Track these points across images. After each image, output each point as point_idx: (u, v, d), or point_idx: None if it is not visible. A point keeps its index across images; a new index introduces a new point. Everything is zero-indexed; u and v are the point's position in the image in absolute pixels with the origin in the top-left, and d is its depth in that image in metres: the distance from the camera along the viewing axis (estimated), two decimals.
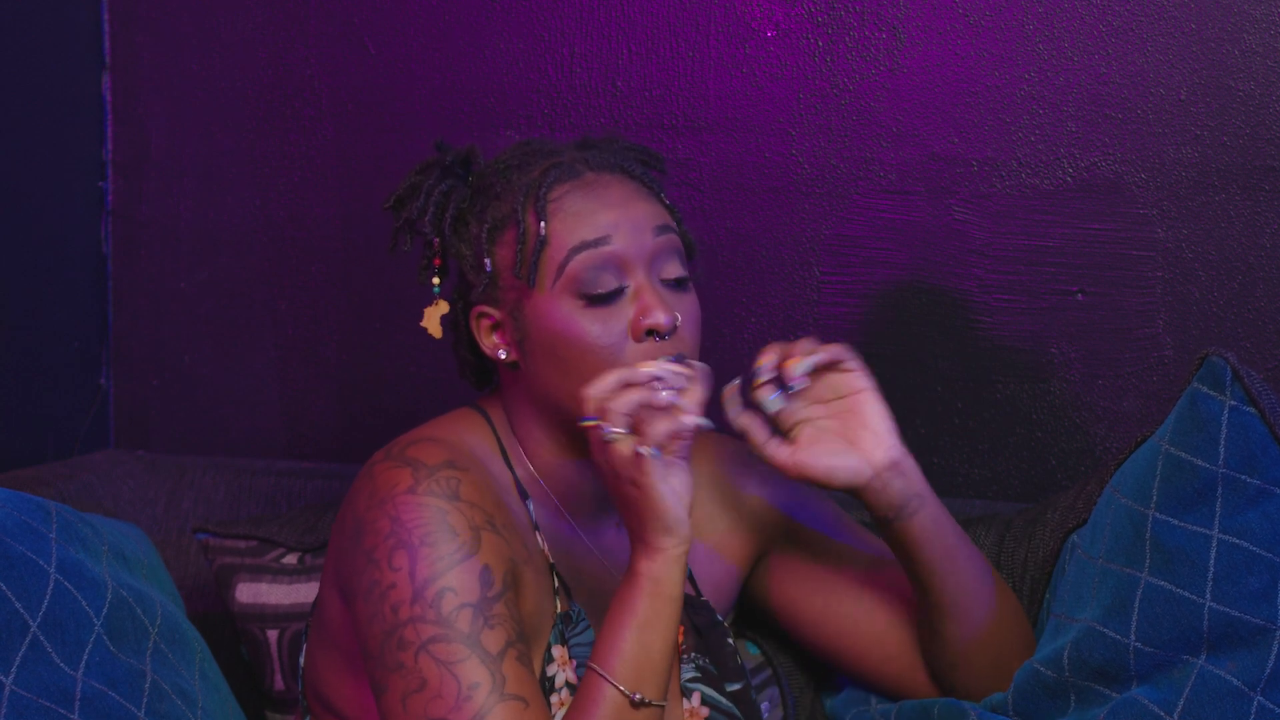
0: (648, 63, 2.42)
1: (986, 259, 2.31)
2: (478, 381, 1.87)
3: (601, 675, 1.63)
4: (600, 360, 1.71)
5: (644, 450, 1.63)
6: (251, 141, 2.60)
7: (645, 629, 1.64)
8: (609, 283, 1.72)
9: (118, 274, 2.67)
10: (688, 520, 1.66)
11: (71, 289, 2.62)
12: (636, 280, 1.73)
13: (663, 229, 1.76)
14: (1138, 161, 2.24)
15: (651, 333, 1.72)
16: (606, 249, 1.73)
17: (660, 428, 1.64)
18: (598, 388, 1.66)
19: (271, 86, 2.59)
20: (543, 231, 1.73)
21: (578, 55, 2.45)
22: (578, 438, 1.76)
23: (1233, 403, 1.77)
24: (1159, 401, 2.25)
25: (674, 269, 1.76)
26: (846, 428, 1.78)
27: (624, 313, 1.73)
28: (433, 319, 1.83)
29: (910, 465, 1.79)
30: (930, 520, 1.80)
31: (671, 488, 1.64)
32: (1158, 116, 2.23)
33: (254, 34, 2.58)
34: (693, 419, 1.66)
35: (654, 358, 1.71)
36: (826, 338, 2.37)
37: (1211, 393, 1.78)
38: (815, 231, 2.37)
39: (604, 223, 1.74)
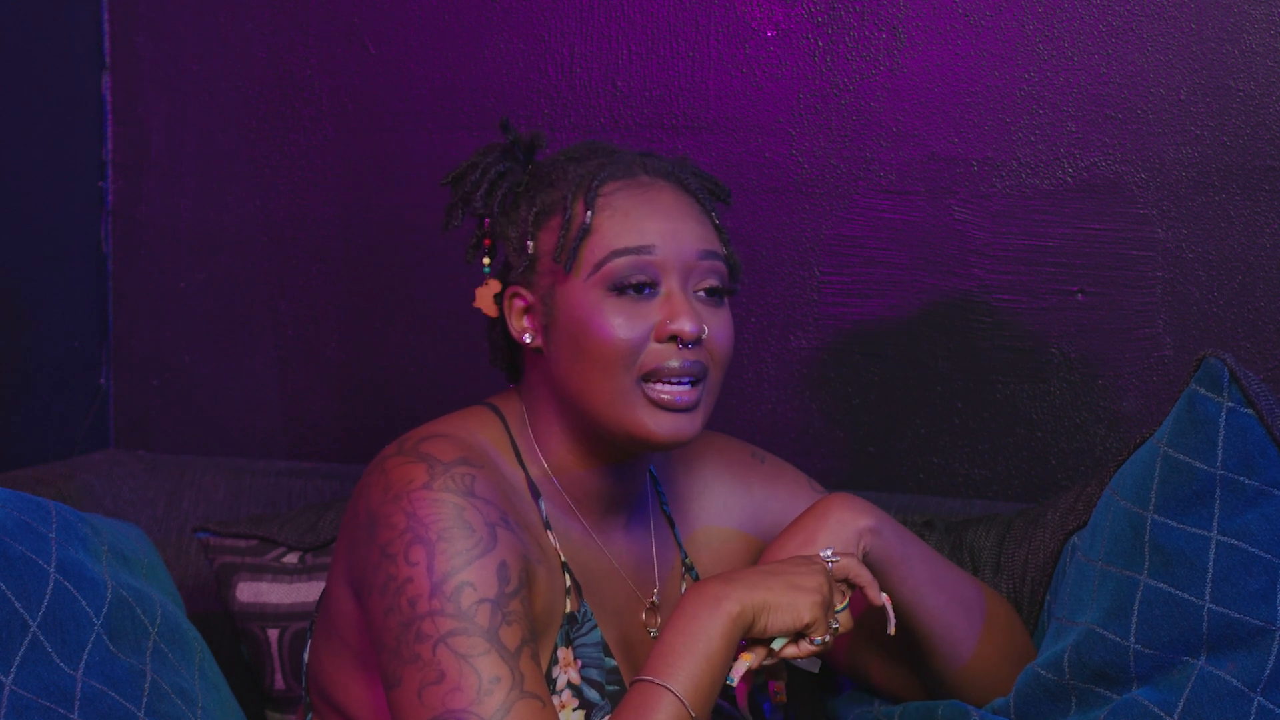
0: (648, 63, 2.42)
1: (986, 259, 2.31)
2: (509, 369, 1.87)
3: (681, 701, 1.65)
4: (617, 355, 1.71)
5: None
6: (251, 141, 2.60)
7: (722, 669, 1.68)
8: (642, 282, 1.73)
9: (118, 274, 2.67)
10: None
11: (71, 289, 2.62)
12: (670, 286, 1.74)
13: (708, 254, 1.76)
14: (1138, 161, 2.24)
15: (674, 338, 1.72)
16: (648, 257, 1.73)
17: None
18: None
19: (271, 86, 2.59)
20: (587, 221, 1.74)
21: (578, 55, 2.45)
22: (590, 434, 1.77)
23: (1230, 404, 1.77)
24: (1159, 401, 2.25)
25: (711, 285, 1.77)
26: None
27: (652, 314, 1.73)
28: (485, 298, 1.82)
29: (872, 548, 1.85)
30: (884, 576, 1.85)
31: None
32: (1158, 116, 2.23)
33: (254, 34, 2.59)
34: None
35: (671, 359, 1.72)
36: (826, 338, 2.38)
37: (1209, 394, 1.78)
38: (815, 231, 2.37)
39: (650, 230, 1.74)
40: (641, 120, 2.42)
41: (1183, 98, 2.22)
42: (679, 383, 1.72)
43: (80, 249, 2.64)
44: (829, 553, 1.76)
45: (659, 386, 1.72)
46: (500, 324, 1.83)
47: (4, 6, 2.46)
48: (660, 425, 1.72)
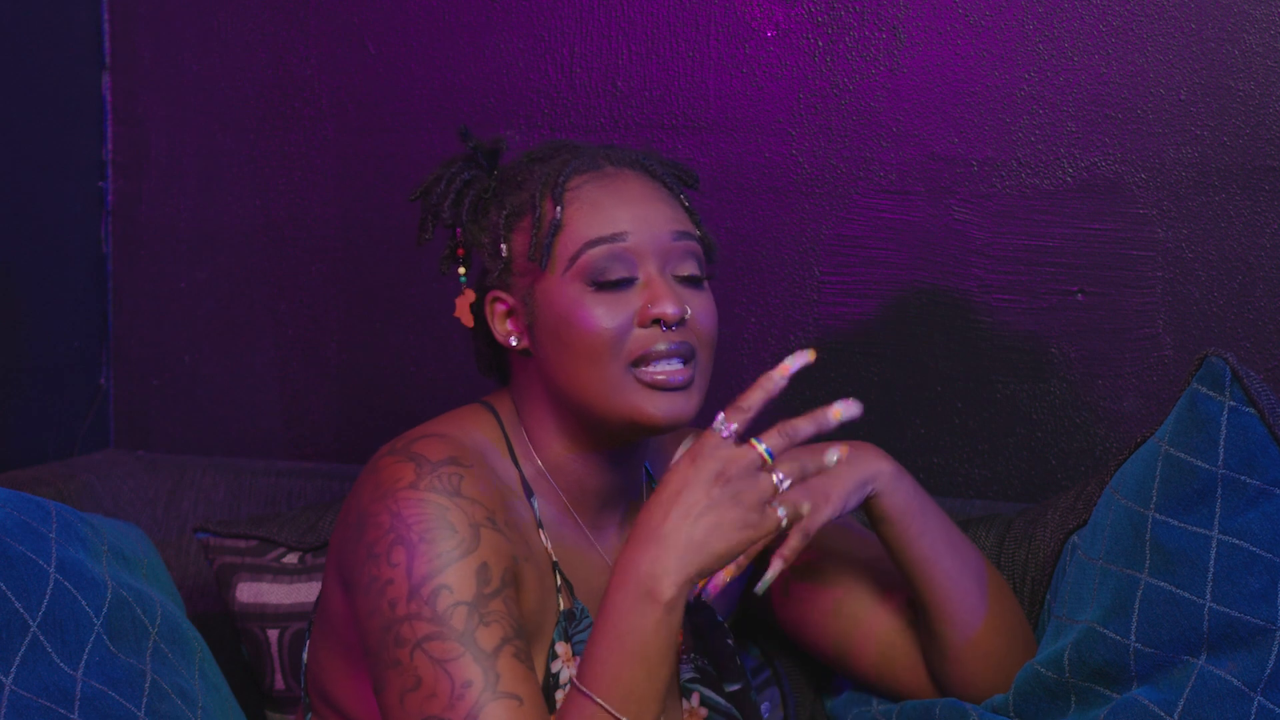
0: (648, 63, 2.42)
1: (986, 259, 2.31)
2: (498, 375, 1.87)
3: (605, 708, 1.59)
4: (603, 345, 1.72)
5: (796, 531, 1.65)
6: (251, 141, 2.60)
7: (655, 662, 1.60)
8: (620, 272, 1.73)
9: (118, 274, 2.67)
10: None
11: (71, 289, 2.62)
12: (648, 273, 1.74)
13: (681, 235, 1.77)
14: (1138, 161, 2.24)
15: (658, 321, 1.72)
16: (622, 244, 1.74)
17: (819, 517, 1.68)
18: (797, 433, 1.62)
19: (271, 86, 2.59)
20: (558, 216, 1.75)
21: (578, 55, 2.45)
22: (586, 428, 1.77)
23: (1232, 403, 1.77)
24: (1159, 401, 2.25)
25: (689, 268, 1.77)
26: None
27: (632, 302, 1.73)
28: (463, 308, 1.83)
29: (888, 494, 1.82)
30: (901, 533, 1.84)
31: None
32: (1158, 116, 2.23)
33: (254, 34, 2.59)
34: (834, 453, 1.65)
35: (658, 343, 1.71)
36: (826, 338, 2.38)
37: (1211, 393, 1.78)
38: (815, 231, 2.37)
39: (621, 218, 1.75)
40: (641, 120, 2.42)
41: (1183, 98, 2.22)
42: (669, 362, 1.72)
43: (80, 249, 2.64)
44: (764, 447, 1.63)
45: (649, 368, 1.72)
46: (483, 331, 1.84)
47: (4, 6, 2.46)
48: (658, 407, 1.72)
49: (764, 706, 2.01)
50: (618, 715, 1.59)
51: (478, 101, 2.49)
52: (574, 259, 1.74)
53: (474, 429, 1.79)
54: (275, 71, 2.58)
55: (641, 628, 1.59)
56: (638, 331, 1.73)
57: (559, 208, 1.75)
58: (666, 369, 1.72)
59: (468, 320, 1.83)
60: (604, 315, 1.72)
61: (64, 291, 2.61)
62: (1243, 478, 1.75)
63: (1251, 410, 1.76)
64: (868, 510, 1.84)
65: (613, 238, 1.74)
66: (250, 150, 2.60)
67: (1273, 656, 1.71)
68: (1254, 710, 1.71)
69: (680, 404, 1.73)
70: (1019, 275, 2.30)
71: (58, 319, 2.60)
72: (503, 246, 1.78)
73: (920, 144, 2.32)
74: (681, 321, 1.73)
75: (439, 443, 1.72)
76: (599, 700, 1.60)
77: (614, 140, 2.40)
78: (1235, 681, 1.72)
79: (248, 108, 2.60)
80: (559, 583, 1.77)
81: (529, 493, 1.79)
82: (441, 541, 1.65)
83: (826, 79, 2.35)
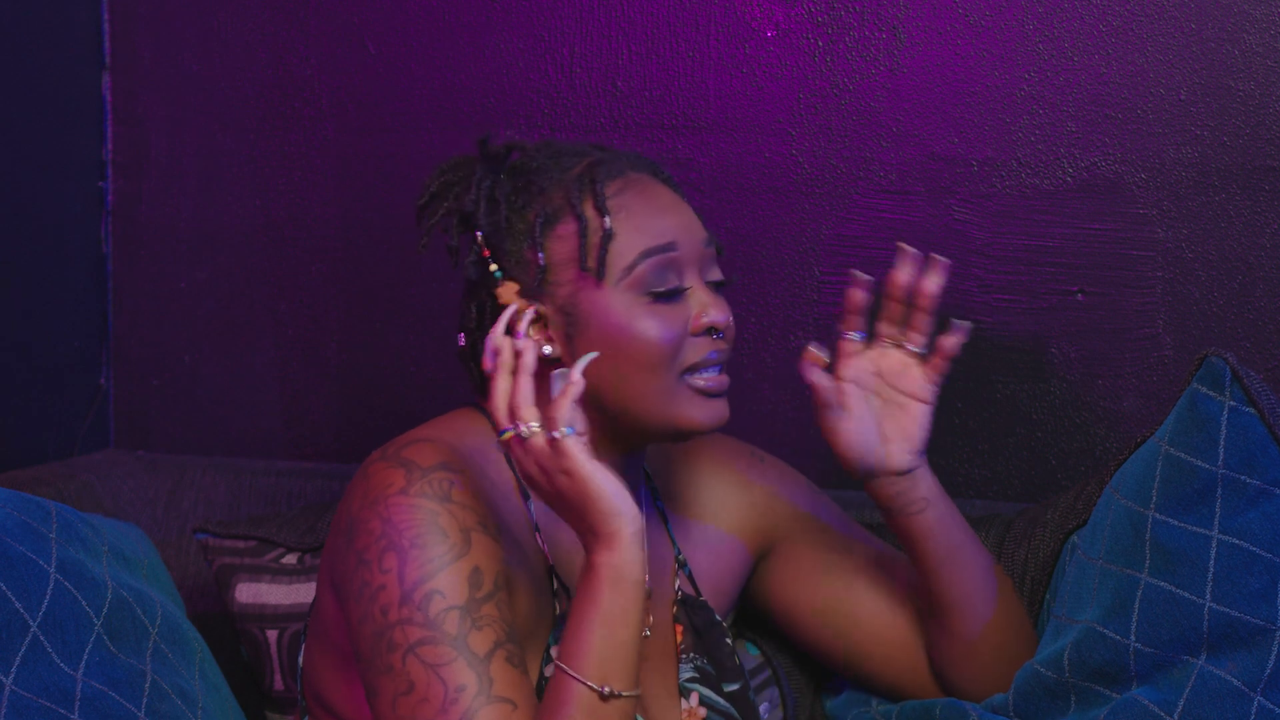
0: (648, 63, 2.42)
1: (986, 259, 2.31)
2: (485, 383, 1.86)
3: (569, 674, 1.61)
4: (662, 355, 1.74)
5: (559, 433, 1.62)
6: (251, 141, 2.60)
7: (612, 622, 1.62)
8: (673, 282, 1.76)
9: (118, 274, 2.67)
10: (629, 493, 1.64)
11: (71, 289, 2.62)
12: (693, 281, 1.77)
13: (709, 241, 1.80)
14: (1138, 161, 2.24)
15: (710, 330, 1.76)
16: (673, 254, 1.76)
17: (563, 404, 1.63)
18: (501, 391, 1.66)
19: (271, 86, 2.59)
20: (608, 226, 1.74)
21: (578, 55, 2.45)
22: (610, 433, 1.77)
23: (1232, 403, 1.77)
24: (1159, 401, 2.25)
25: (717, 274, 1.81)
26: (888, 419, 1.87)
27: (684, 311, 1.76)
28: (512, 296, 1.81)
29: (923, 474, 1.88)
30: (935, 521, 1.87)
31: (599, 465, 1.63)
32: (1158, 116, 2.23)
33: (254, 34, 2.58)
34: (578, 371, 1.66)
35: (710, 350, 1.76)
36: (826, 338, 2.38)
37: (1211, 393, 1.78)
38: (815, 231, 2.37)
39: (668, 227, 1.77)
40: (641, 120, 2.42)
41: (1183, 98, 2.22)
42: (714, 370, 1.77)
43: (80, 249, 2.64)
44: (525, 428, 1.66)
45: (698, 375, 1.76)
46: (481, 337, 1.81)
47: (4, 6, 2.46)
48: (705, 413, 1.76)
49: (763, 707, 2.01)
50: (583, 679, 1.60)
51: (478, 101, 2.49)
52: (630, 269, 1.75)
53: (466, 433, 1.79)
54: (275, 71, 2.58)
55: (587, 593, 1.62)
56: (691, 340, 1.76)
57: (606, 217, 1.75)
58: (715, 377, 1.77)
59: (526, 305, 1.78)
60: (662, 326, 1.74)
61: (64, 291, 2.61)
62: (1243, 477, 1.75)
63: (1251, 410, 1.76)
64: (892, 500, 1.86)
65: (664, 248, 1.76)
66: (250, 150, 2.60)
67: (1273, 656, 1.71)
68: (1254, 710, 1.71)
69: (722, 409, 1.78)
70: (1019, 275, 2.30)
71: (58, 319, 2.60)
72: (540, 255, 1.78)
73: (920, 144, 2.32)
74: (729, 328, 1.77)
75: (429, 448, 1.72)
76: (565, 668, 1.61)
77: (614, 140, 2.40)
78: (1235, 681, 1.72)
79: (248, 108, 2.60)
80: (555, 586, 1.77)
81: (525, 495, 1.79)
82: (433, 547, 1.65)
83: (826, 79, 2.35)
